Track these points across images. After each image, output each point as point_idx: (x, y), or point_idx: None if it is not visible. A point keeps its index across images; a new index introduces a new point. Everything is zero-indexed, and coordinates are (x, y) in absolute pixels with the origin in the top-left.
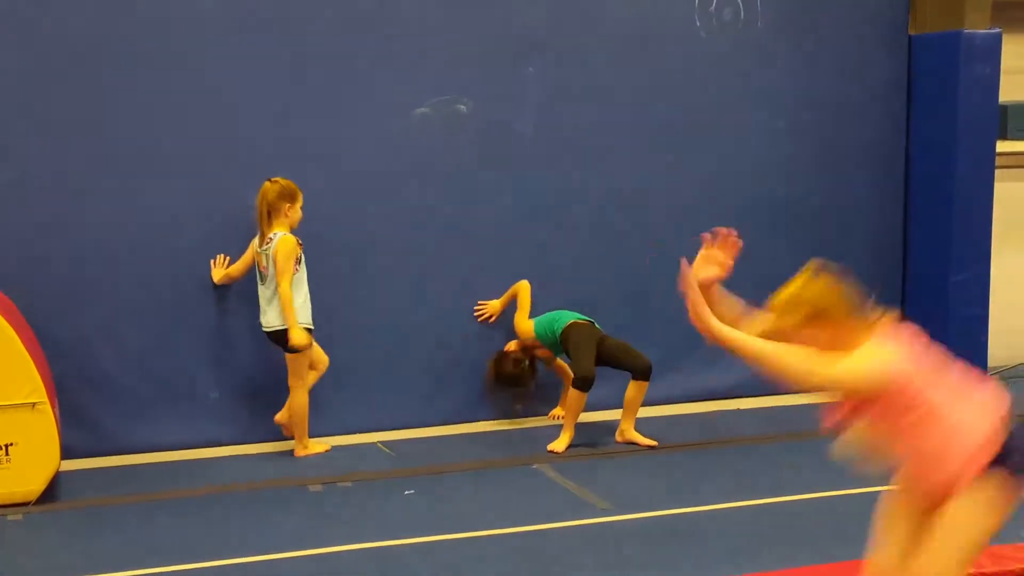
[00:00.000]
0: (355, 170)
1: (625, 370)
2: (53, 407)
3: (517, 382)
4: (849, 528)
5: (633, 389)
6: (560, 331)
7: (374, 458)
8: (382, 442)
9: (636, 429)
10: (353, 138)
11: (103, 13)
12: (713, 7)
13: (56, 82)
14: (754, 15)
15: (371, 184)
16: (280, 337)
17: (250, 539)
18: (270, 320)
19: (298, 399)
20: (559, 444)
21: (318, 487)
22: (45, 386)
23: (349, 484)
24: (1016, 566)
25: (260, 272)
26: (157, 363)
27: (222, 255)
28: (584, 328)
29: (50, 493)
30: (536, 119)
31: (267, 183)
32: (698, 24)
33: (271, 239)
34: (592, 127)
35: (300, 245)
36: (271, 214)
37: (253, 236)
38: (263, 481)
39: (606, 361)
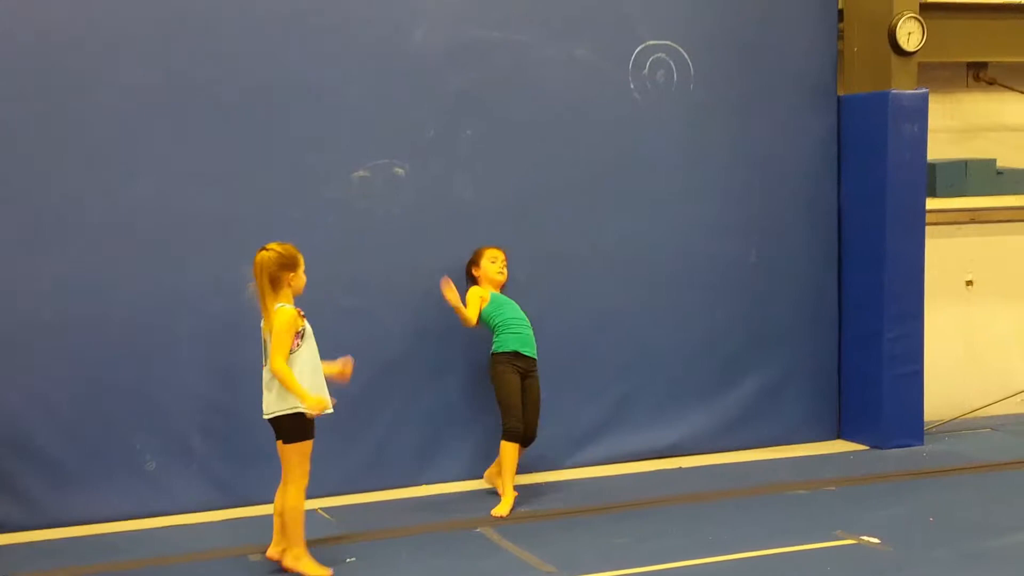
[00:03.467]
0: (290, 233)
1: None
2: None
3: None
4: None
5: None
6: (492, 350)
7: (315, 525)
8: (323, 508)
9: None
10: (291, 202)
11: (27, 73)
12: (646, 69)
13: None
14: (686, 77)
15: (306, 248)
16: (278, 425)
17: None
18: (266, 405)
19: (292, 499)
20: (502, 508)
21: (258, 557)
22: None
23: None
24: None
25: (264, 351)
26: (90, 433)
27: None
28: (507, 375)
29: None
30: (474, 181)
31: (262, 252)
32: (632, 86)
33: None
34: (529, 189)
35: (303, 317)
36: (274, 285)
37: (184, 303)
38: (202, 552)
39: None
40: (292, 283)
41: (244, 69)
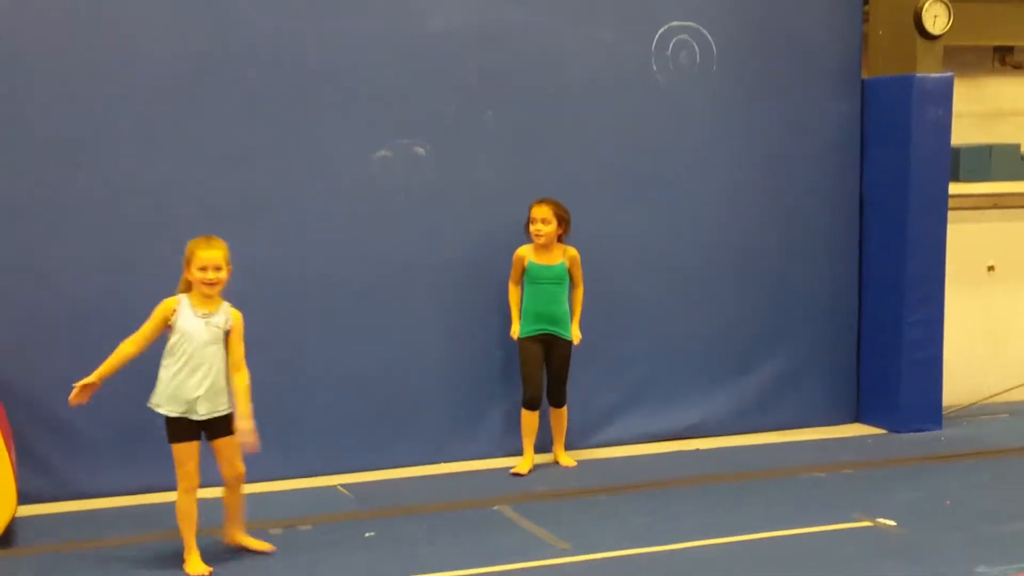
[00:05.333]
0: (312, 213)
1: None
2: (9, 451)
3: None
4: (811, 566)
5: (553, 416)
6: (521, 328)
7: (334, 501)
8: (342, 484)
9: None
10: (311, 181)
11: (50, 55)
12: (669, 51)
13: (6, 125)
14: (709, 59)
15: (329, 228)
16: None
17: None
18: None
19: (178, 502)
20: (520, 467)
21: (277, 530)
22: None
23: (309, 527)
24: None
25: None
26: (117, 409)
27: None
28: (525, 348)
29: (7, 539)
30: (495, 163)
31: None
32: (655, 68)
33: None
34: (550, 171)
35: (175, 310)
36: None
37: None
38: (222, 525)
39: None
40: (187, 278)
41: (265, 50)
